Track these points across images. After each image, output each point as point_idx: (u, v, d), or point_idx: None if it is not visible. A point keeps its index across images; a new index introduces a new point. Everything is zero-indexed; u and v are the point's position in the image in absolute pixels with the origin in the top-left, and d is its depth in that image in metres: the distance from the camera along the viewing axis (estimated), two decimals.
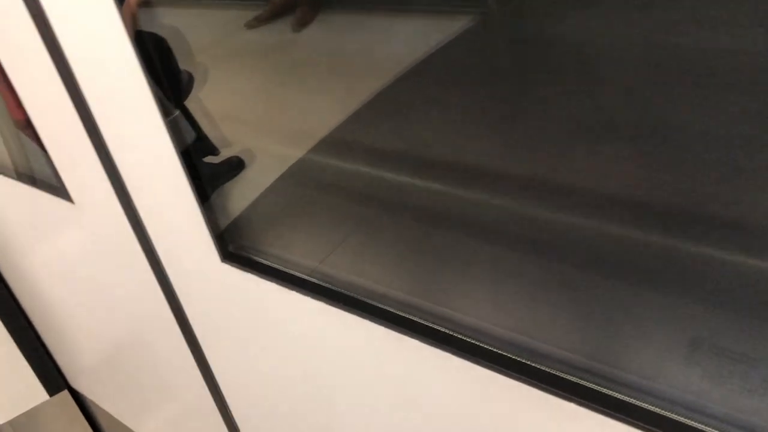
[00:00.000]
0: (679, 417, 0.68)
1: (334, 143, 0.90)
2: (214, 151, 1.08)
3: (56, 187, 1.43)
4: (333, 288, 0.97)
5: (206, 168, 1.08)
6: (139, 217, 1.22)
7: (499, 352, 0.80)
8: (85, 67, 1.05)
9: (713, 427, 0.66)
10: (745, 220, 0.60)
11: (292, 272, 1.02)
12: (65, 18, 1.00)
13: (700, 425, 0.67)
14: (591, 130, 0.65)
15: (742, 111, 0.54)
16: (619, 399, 0.71)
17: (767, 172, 0.55)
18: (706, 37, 0.53)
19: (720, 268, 0.64)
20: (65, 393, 2.54)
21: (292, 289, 1.01)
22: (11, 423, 2.48)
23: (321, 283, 0.98)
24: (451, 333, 0.85)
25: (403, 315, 0.89)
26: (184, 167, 1.01)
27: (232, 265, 1.09)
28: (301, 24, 0.80)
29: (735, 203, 0.59)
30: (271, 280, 1.04)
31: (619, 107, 0.61)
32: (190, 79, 1.01)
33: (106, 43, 0.96)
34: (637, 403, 0.70)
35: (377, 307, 0.92)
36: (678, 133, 0.59)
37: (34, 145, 1.43)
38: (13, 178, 1.63)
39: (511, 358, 0.79)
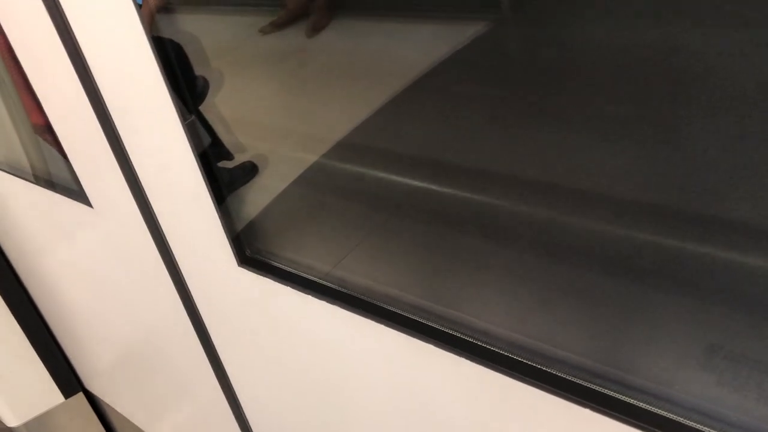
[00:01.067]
0: (694, 423, 0.68)
1: (347, 148, 0.91)
2: (228, 156, 1.09)
3: (75, 192, 1.44)
4: (349, 292, 0.97)
5: (220, 173, 1.09)
6: (158, 221, 1.24)
7: (514, 357, 0.80)
8: (106, 72, 1.06)
9: None
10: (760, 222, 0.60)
11: (308, 276, 1.02)
12: (86, 24, 1.02)
13: None
14: (605, 133, 0.65)
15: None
16: (634, 405, 0.71)
17: None
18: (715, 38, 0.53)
19: (736, 272, 0.64)
20: (80, 395, 2.55)
21: (308, 294, 1.02)
22: (26, 425, 2.49)
23: (337, 287, 0.99)
24: (465, 337, 0.85)
25: (418, 319, 0.90)
26: (202, 171, 1.02)
27: (248, 270, 1.10)
28: (316, 29, 0.81)
29: (755, 205, 0.59)
30: (288, 285, 1.04)
31: (634, 111, 0.61)
32: (206, 84, 1.02)
33: (126, 49, 0.97)
34: (653, 409, 0.70)
35: (392, 311, 0.92)
36: (696, 134, 0.59)
37: (52, 150, 1.45)
38: (31, 181, 1.64)
39: (525, 363, 0.79)
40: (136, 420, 2.33)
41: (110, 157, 1.19)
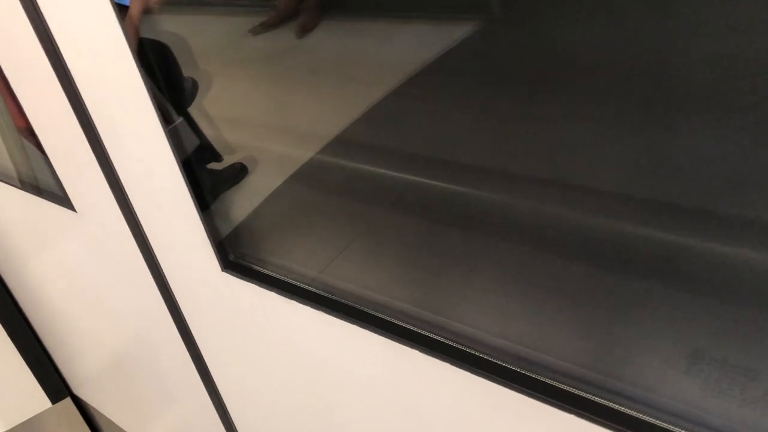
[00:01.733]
0: (678, 429, 0.68)
1: (337, 150, 0.91)
2: (217, 157, 1.09)
3: (59, 196, 1.43)
4: (334, 298, 0.97)
5: (209, 175, 1.08)
6: (141, 225, 1.23)
7: (500, 363, 0.80)
8: (87, 76, 1.05)
9: None
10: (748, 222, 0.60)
11: (292, 282, 1.02)
12: (66, 28, 1.01)
13: None
14: (595, 131, 0.65)
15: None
16: (617, 410, 0.71)
17: None
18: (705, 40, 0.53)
19: (722, 273, 0.64)
20: (68, 400, 2.54)
21: (293, 299, 1.01)
22: (13, 430, 2.48)
23: (322, 293, 0.98)
24: (451, 343, 0.85)
25: (404, 325, 0.89)
26: (184, 176, 1.02)
27: (232, 275, 1.10)
28: (305, 30, 0.81)
29: (741, 205, 0.59)
30: (272, 290, 1.04)
31: (624, 109, 0.61)
32: (194, 85, 1.01)
33: (107, 53, 0.96)
34: (637, 414, 0.70)
35: (378, 317, 0.92)
36: (686, 131, 0.59)
37: (37, 154, 1.43)
38: (16, 186, 1.63)
39: (511, 369, 0.79)
40: (124, 424, 2.32)
41: (92, 161, 1.18)
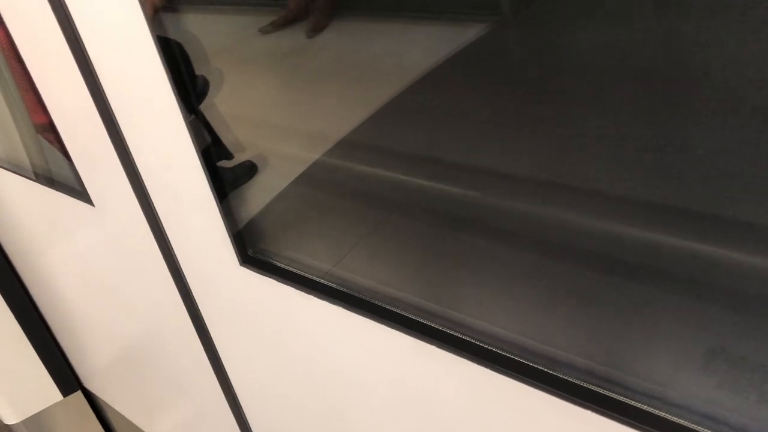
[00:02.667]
0: (694, 425, 0.68)
1: (347, 147, 0.91)
2: (228, 155, 1.09)
3: (77, 190, 1.44)
4: (351, 293, 0.97)
5: (220, 172, 1.09)
6: (159, 219, 1.24)
7: (515, 358, 0.80)
8: (110, 70, 1.06)
9: None
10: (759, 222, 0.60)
11: (310, 276, 1.02)
12: (90, 22, 1.02)
13: None
14: (606, 134, 0.65)
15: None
16: (634, 406, 0.72)
17: None
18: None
19: (736, 273, 0.64)
20: (78, 394, 2.55)
21: (311, 294, 1.02)
22: (25, 423, 2.49)
23: (339, 287, 0.99)
24: (466, 338, 0.85)
25: (419, 320, 0.90)
26: (204, 168, 1.03)
27: (250, 269, 1.10)
28: (315, 30, 0.81)
29: (754, 205, 0.60)
30: (289, 284, 1.04)
31: (634, 111, 0.61)
32: (206, 83, 1.02)
33: (130, 47, 0.97)
34: (653, 410, 0.71)
35: (393, 311, 0.92)
36: (691, 134, 0.59)
37: (53, 148, 1.45)
38: (31, 179, 1.64)
39: (527, 364, 0.80)
40: (135, 419, 2.33)
41: (113, 155, 1.19)
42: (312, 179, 1.00)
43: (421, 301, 0.92)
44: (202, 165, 1.02)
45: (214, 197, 1.05)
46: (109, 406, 2.47)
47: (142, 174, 1.18)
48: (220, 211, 1.06)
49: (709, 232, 0.64)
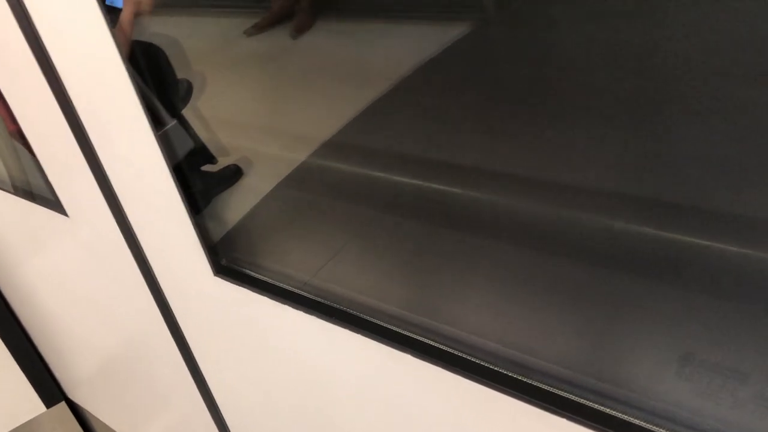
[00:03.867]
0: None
1: (331, 151, 0.91)
2: (212, 159, 1.08)
3: (51, 201, 1.43)
4: (326, 302, 0.97)
5: (204, 177, 1.08)
6: (133, 230, 1.22)
7: (492, 367, 0.80)
8: (76, 80, 1.05)
9: None
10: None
11: (284, 286, 1.02)
12: (55, 31, 1.00)
13: None
14: (588, 129, 0.65)
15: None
16: (608, 414, 0.71)
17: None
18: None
19: (711, 273, 0.64)
20: (62, 404, 2.53)
21: (285, 304, 1.01)
22: None
23: (314, 297, 0.98)
24: (443, 347, 0.84)
25: (396, 329, 0.89)
26: (175, 181, 1.01)
27: (224, 279, 1.09)
28: (300, 31, 0.81)
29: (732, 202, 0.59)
30: (264, 294, 1.03)
31: (617, 107, 0.61)
32: (189, 87, 1.01)
33: (96, 58, 0.96)
34: (628, 418, 0.70)
35: (370, 321, 0.92)
36: (676, 130, 0.59)
37: (30, 158, 1.43)
38: (9, 191, 1.63)
39: (503, 373, 0.79)
40: (119, 428, 2.32)
41: (83, 166, 1.17)
42: (296, 183, 0.99)
43: (397, 309, 0.91)
44: (173, 178, 1.01)
45: (186, 209, 1.04)
46: (94, 417, 2.45)
47: (114, 185, 1.17)
48: (192, 223, 1.05)
49: (687, 232, 0.64)
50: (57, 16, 0.97)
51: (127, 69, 0.92)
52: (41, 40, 1.03)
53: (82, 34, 0.95)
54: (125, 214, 1.20)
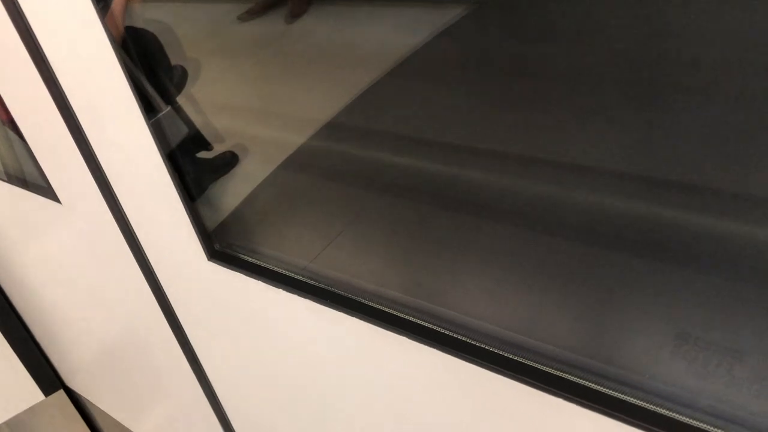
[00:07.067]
0: (665, 411, 0.68)
1: (327, 137, 0.90)
2: (207, 146, 1.08)
3: (44, 188, 1.42)
4: (320, 286, 0.96)
5: (199, 164, 1.07)
6: (126, 217, 1.22)
7: (490, 348, 0.80)
8: (67, 68, 1.04)
9: (701, 421, 0.66)
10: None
11: (278, 270, 1.01)
12: (45, 18, 0.99)
13: (686, 419, 0.66)
14: (578, 110, 0.65)
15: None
16: (604, 393, 0.71)
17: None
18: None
19: (705, 251, 0.64)
20: (61, 392, 2.54)
21: (279, 287, 1.00)
22: (8, 423, 2.48)
23: (308, 280, 0.98)
24: (439, 329, 0.84)
25: (391, 312, 0.89)
26: (168, 167, 1.01)
27: (218, 264, 1.09)
28: (294, 15, 0.81)
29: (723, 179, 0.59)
30: (258, 279, 1.03)
31: (611, 91, 0.61)
32: (184, 74, 1.00)
33: (86, 45, 0.95)
34: (624, 397, 0.70)
35: (365, 304, 0.92)
36: (670, 110, 0.59)
37: (22, 145, 1.42)
38: (2, 179, 1.62)
39: (500, 354, 0.79)
40: (118, 416, 2.32)
41: (75, 152, 1.16)
42: (293, 168, 0.99)
43: (394, 293, 0.91)
44: (165, 165, 1.00)
45: (179, 194, 1.03)
46: (93, 404, 2.46)
47: (106, 171, 1.16)
48: (185, 208, 1.04)
49: (677, 211, 0.63)
50: (46, 1, 0.96)
51: (119, 55, 0.91)
52: (30, 27, 1.02)
53: (72, 20, 0.94)
54: (118, 200, 1.20)
